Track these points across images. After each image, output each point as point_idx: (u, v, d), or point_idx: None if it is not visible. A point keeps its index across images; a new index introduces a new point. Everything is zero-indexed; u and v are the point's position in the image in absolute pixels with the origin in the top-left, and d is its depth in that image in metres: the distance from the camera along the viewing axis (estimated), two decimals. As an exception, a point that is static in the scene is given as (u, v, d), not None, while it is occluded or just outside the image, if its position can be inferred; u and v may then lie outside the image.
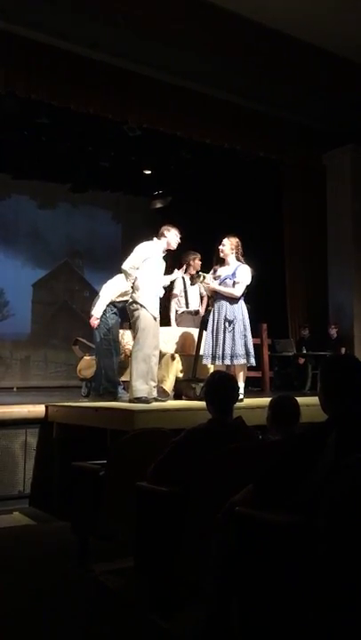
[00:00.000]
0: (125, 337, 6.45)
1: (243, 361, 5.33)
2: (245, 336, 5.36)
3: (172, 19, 6.15)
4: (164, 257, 5.55)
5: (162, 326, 6.22)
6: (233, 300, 5.41)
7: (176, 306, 6.57)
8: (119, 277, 6.04)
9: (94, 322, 6.08)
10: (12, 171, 9.58)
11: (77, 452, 4.10)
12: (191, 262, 6.50)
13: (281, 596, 1.92)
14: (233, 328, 5.32)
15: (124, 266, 5.44)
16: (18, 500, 5.06)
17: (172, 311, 6.59)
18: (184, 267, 6.48)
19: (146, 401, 5.08)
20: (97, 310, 6.08)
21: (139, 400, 5.09)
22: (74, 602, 3.02)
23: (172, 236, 5.48)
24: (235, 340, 5.31)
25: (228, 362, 5.31)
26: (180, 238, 5.63)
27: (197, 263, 6.48)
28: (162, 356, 6.20)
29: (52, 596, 3.08)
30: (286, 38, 6.53)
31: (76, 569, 3.37)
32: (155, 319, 5.31)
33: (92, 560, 3.42)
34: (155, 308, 5.31)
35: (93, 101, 7.04)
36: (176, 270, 6.08)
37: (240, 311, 5.41)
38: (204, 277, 5.56)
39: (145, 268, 5.35)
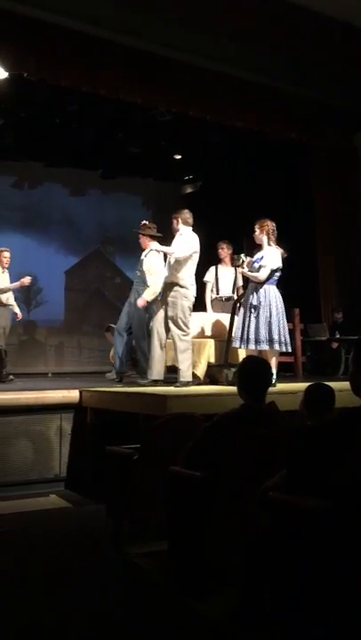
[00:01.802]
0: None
1: (265, 347, 5.32)
2: (270, 323, 5.32)
3: (197, 1, 6.06)
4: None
5: (198, 312, 6.44)
6: (259, 284, 5.40)
7: (210, 292, 6.91)
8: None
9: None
10: (43, 159, 9.65)
11: (111, 437, 4.15)
12: (219, 250, 6.93)
13: (312, 580, 1.93)
14: (258, 314, 5.32)
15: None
16: (54, 483, 5.16)
17: (207, 297, 6.88)
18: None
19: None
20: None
21: (157, 383, 5.46)
22: (108, 582, 3.08)
23: None
24: (258, 325, 5.31)
25: (252, 346, 5.34)
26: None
27: (221, 252, 6.94)
28: (194, 341, 6.23)
29: (87, 576, 3.15)
30: (315, 15, 6.37)
31: (110, 551, 3.43)
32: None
33: (126, 542, 3.47)
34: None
35: (123, 87, 7.02)
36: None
37: (266, 297, 5.37)
38: (243, 261, 5.53)
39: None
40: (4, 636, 2.49)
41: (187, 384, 5.42)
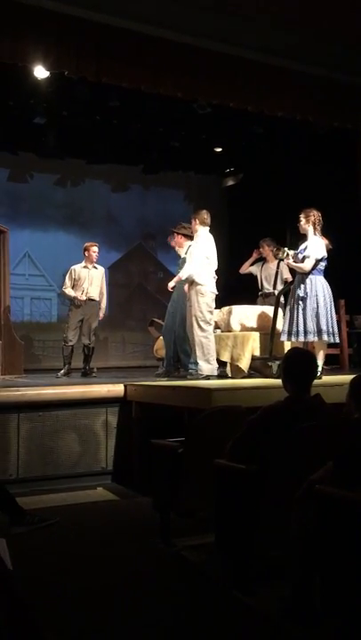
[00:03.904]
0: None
1: (313, 338, 5.25)
2: (318, 313, 5.26)
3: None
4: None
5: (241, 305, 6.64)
6: (305, 275, 5.33)
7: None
8: None
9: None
10: (85, 156, 9.75)
11: (156, 430, 4.18)
12: (261, 250, 7.25)
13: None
14: (305, 305, 5.26)
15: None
16: (101, 476, 5.24)
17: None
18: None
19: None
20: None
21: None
22: (156, 574, 3.10)
23: None
24: (306, 317, 5.25)
25: (301, 338, 5.29)
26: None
27: (263, 252, 7.23)
28: (238, 334, 6.22)
29: (135, 568, 3.18)
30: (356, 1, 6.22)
31: (157, 543, 3.46)
32: None
33: (173, 535, 3.49)
34: None
35: (163, 81, 6.99)
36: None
37: (312, 287, 5.31)
38: (287, 254, 5.47)
39: None
40: (58, 624, 2.54)
41: (199, 377, 5.64)
